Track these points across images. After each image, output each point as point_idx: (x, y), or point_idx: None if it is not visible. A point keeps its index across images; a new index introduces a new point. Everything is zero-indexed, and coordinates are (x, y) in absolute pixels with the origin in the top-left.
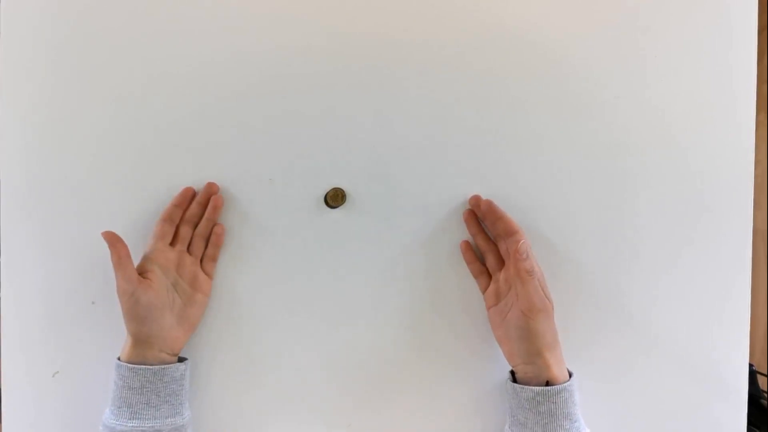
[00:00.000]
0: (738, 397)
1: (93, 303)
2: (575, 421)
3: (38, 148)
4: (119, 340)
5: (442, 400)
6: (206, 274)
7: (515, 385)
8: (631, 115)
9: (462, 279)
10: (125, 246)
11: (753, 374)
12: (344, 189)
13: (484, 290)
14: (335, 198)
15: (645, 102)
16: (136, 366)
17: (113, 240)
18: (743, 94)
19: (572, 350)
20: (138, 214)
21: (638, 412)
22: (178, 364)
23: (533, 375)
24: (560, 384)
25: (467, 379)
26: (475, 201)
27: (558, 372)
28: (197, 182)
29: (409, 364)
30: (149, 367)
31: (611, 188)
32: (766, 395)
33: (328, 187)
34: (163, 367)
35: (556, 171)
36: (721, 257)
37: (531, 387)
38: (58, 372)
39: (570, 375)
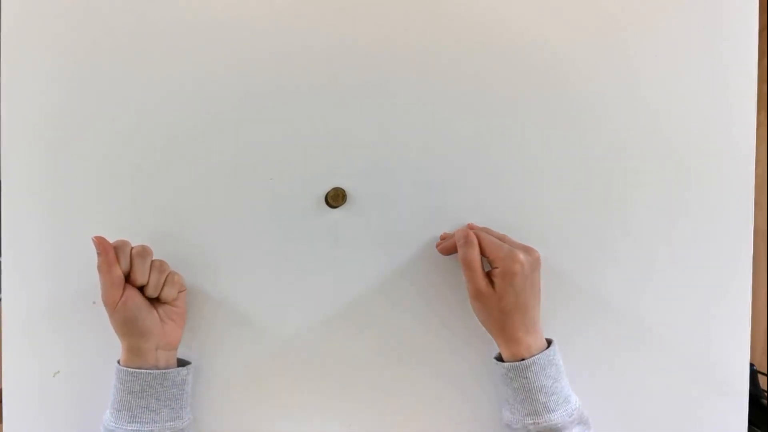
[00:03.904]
0: (738, 396)
1: (94, 303)
2: (552, 394)
3: (40, 148)
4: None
5: (443, 399)
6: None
7: (493, 360)
8: (631, 115)
9: (462, 278)
10: (114, 253)
11: (754, 374)
12: (344, 189)
13: None
14: (335, 198)
15: (645, 102)
16: (135, 370)
17: (104, 246)
18: (743, 94)
19: (571, 350)
20: (139, 214)
21: (638, 412)
22: (180, 368)
23: (503, 353)
24: (525, 359)
25: (468, 378)
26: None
27: (514, 350)
28: (198, 182)
29: (409, 364)
30: (149, 371)
31: (611, 188)
32: (766, 395)
33: (328, 187)
34: (163, 371)
35: (555, 172)
36: (721, 257)
37: (502, 363)
38: (59, 372)
39: (548, 345)
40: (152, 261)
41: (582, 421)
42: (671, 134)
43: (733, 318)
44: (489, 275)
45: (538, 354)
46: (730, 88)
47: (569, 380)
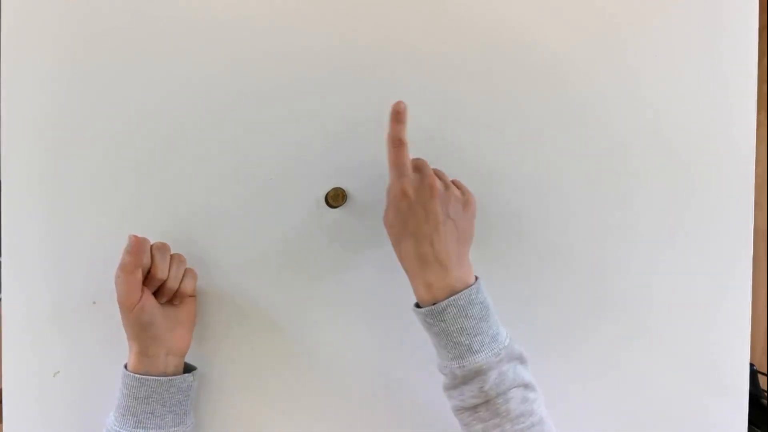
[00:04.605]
0: (738, 396)
1: (94, 303)
2: (476, 335)
3: (40, 148)
4: (120, 339)
5: (445, 400)
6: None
7: (412, 309)
8: (631, 114)
9: None
10: (141, 257)
11: (753, 374)
12: (344, 189)
13: None
14: (336, 198)
15: (645, 101)
16: (142, 377)
17: (139, 247)
18: (743, 94)
19: (571, 349)
20: (139, 215)
21: (638, 412)
22: (186, 375)
23: (417, 296)
24: (439, 302)
25: None
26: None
27: (425, 294)
28: (198, 182)
29: (411, 364)
30: (156, 378)
31: (611, 188)
32: (766, 395)
33: (328, 187)
34: (170, 378)
35: (555, 171)
36: (721, 257)
37: (419, 310)
38: (59, 372)
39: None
40: (171, 255)
41: (513, 358)
42: (671, 134)
43: (733, 318)
44: None
45: (454, 295)
46: (730, 88)
47: (570, 379)
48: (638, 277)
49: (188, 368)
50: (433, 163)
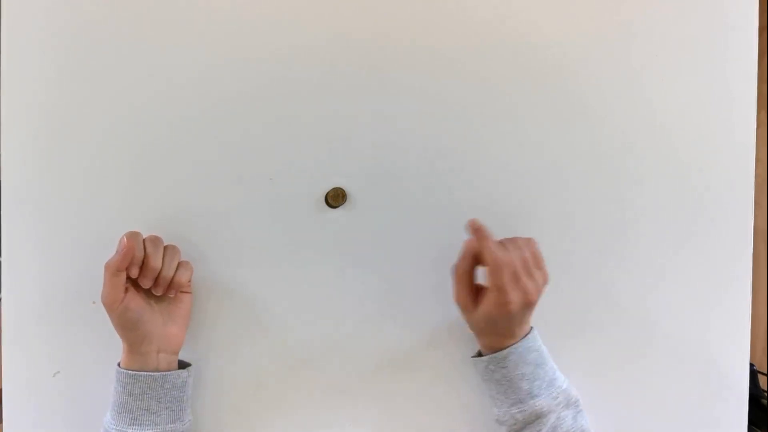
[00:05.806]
0: (738, 396)
1: (93, 303)
2: (535, 380)
3: (39, 148)
4: (119, 340)
5: (445, 399)
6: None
7: (471, 359)
8: (632, 114)
9: None
10: (130, 261)
11: (754, 374)
12: (344, 189)
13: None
14: (336, 198)
15: (645, 101)
16: (136, 372)
17: (130, 250)
18: (743, 94)
19: (571, 350)
20: (139, 215)
21: (638, 412)
22: (180, 371)
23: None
24: (503, 350)
25: (470, 378)
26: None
27: (488, 349)
28: (198, 182)
29: (411, 364)
30: (150, 373)
31: (611, 189)
32: (766, 395)
33: (328, 187)
34: (164, 374)
35: (555, 171)
36: (721, 257)
37: (481, 358)
38: (58, 372)
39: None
40: (165, 246)
41: (570, 404)
42: (671, 134)
43: (733, 318)
44: (482, 288)
45: (515, 343)
46: (730, 88)
47: (569, 378)
48: (638, 277)
49: (183, 366)
50: (433, 164)
